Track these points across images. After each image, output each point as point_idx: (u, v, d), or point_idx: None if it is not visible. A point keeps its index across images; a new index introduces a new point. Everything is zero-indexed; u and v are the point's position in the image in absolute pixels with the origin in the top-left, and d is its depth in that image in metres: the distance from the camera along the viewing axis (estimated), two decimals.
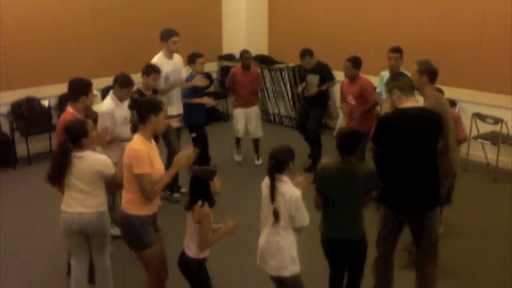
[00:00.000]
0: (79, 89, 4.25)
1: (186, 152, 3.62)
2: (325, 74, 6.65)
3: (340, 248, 3.57)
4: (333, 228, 3.55)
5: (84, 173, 3.69)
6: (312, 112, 6.78)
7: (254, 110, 7.08)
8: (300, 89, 6.95)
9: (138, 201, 3.50)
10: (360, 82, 5.96)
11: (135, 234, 3.54)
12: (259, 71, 7.58)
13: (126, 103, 4.97)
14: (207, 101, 6.47)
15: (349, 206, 3.50)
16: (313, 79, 6.66)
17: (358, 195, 3.48)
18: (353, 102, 5.96)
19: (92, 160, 3.70)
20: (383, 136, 3.68)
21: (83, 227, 3.76)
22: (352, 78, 5.99)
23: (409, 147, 3.60)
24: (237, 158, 7.27)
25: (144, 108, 3.55)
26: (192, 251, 3.39)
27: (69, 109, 4.24)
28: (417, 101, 3.81)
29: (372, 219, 3.83)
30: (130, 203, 3.54)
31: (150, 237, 3.57)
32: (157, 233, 3.69)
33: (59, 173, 3.69)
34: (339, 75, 6.72)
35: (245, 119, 7.04)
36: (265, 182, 3.43)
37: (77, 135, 3.68)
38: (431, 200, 3.75)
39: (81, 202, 3.73)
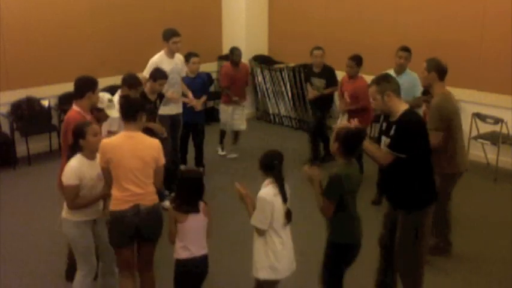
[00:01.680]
0: (85, 86, 4.21)
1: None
2: (331, 78, 6.69)
3: (353, 252, 3.56)
4: (352, 232, 3.52)
5: None
6: (322, 118, 6.91)
7: (242, 105, 7.22)
8: (308, 93, 6.97)
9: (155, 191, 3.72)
10: (356, 82, 6.07)
11: (162, 221, 3.74)
12: (247, 66, 7.61)
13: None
14: (191, 101, 6.17)
15: (356, 207, 3.51)
16: (319, 83, 6.72)
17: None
18: (347, 99, 6.09)
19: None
20: (416, 141, 3.60)
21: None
22: (352, 76, 6.08)
23: (426, 147, 3.67)
24: (221, 152, 7.45)
25: (137, 107, 3.69)
26: (206, 248, 3.50)
27: (74, 107, 4.21)
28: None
29: (370, 220, 3.83)
30: (155, 194, 3.69)
31: None
32: None
33: None
34: (340, 76, 6.73)
35: (231, 114, 7.18)
36: (271, 191, 3.38)
37: (76, 137, 3.67)
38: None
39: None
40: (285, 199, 3.35)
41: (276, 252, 3.41)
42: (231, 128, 7.32)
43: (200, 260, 3.47)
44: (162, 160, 3.67)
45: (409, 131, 3.55)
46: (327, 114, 7.02)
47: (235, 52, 7.01)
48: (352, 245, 3.52)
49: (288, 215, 3.37)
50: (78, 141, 3.67)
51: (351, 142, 3.41)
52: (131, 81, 4.86)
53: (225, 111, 7.25)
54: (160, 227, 3.73)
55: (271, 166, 3.35)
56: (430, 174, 3.72)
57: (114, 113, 4.47)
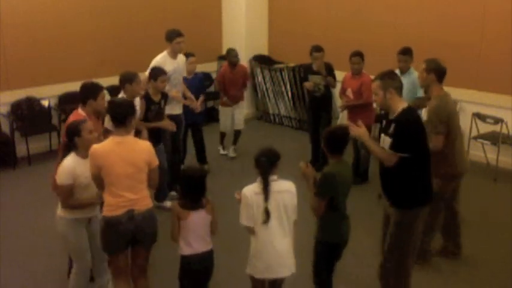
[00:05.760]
0: (87, 93, 4.23)
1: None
2: (330, 74, 6.67)
3: (340, 250, 3.61)
4: (341, 232, 3.55)
5: None
6: (321, 118, 6.82)
7: (240, 105, 7.31)
8: (308, 86, 6.83)
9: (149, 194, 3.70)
10: (362, 78, 6.12)
11: (157, 225, 3.70)
12: (245, 67, 7.57)
13: (137, 99, 5.01)
14: (192, 103, 6.20)
15: (345, 206, 3.52)
16: (318, 79, 6.69)
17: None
18: (351, 96, 6.17)
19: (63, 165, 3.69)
20: (417, 139, 3.60)
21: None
22: (358, 72, 6.11)
23: (426, 146, 3.67)
24: (222, 151, 7.51)
25: (125, 111, 3.63)
26: (211, 244, 3.53)
27: (79, 111, 4.23)
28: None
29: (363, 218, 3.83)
30: (149, 198, 3.66)
31: None
32: None
33: None
34: (340, 76, 6.72)
35: (231, 116, 7.25)
36: (253, 189, 3.39)
37: (71, 135, 3.67)
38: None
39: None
40: (266, 197, 3.32)
41: (254, 249, 3.46)
42: (231, 128, 7.34)
43: (203, 256, 3.49)
44: (156, 161, 3.65)
45: (408, 130, 3.55)
46: (326, 115, 6.97)
47: (231, 53, 7.00)
48: (339, 244, 3.60)
49: (267, 214, 3.32)
50: (74, 139, 3.66)
51: (334, 140, 3.47)
52: (129, 76, 4.87)
53: (225, 113, 7.28)
54: (155, 231, 3.69)
55: (257, 162, 3.37)
56: (426, 175, 3.69)
57: None
